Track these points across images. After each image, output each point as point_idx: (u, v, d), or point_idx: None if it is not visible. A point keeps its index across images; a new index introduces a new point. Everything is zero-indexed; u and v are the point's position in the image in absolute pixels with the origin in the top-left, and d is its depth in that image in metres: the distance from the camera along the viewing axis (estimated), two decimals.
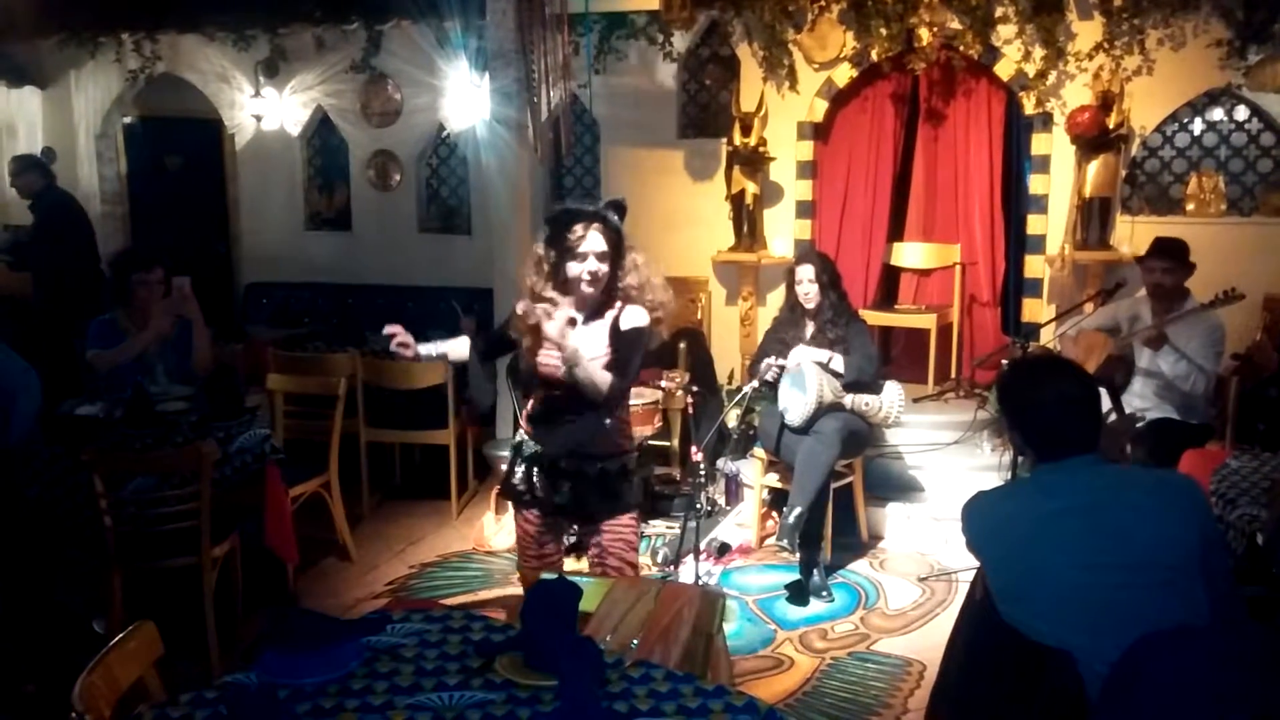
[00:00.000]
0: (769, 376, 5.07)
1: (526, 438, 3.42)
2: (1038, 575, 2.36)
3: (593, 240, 3.19)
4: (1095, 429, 2.49)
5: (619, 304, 3.29)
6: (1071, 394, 2.46)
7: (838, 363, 5.03)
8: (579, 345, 3.18)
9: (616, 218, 3.25)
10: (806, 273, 5.14)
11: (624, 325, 3.26)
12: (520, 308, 3.30)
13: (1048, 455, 2.47)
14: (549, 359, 3.27)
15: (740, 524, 5.69)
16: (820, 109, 6.91)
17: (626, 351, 3.24)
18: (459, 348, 3.61)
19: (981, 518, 2.55)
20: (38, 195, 7.22)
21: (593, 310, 3.30)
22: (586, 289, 3.23)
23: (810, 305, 5.14)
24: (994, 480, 5.43)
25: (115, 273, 4.94)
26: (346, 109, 8.13)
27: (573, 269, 3.22)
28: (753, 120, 6.73)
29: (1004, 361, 5.79)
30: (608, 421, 3.30)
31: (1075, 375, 2.55)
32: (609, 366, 3.20)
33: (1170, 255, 4.92)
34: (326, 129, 8.43)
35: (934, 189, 7.11)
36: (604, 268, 3.22)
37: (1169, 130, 6.61)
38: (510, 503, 3.58)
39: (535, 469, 3.38)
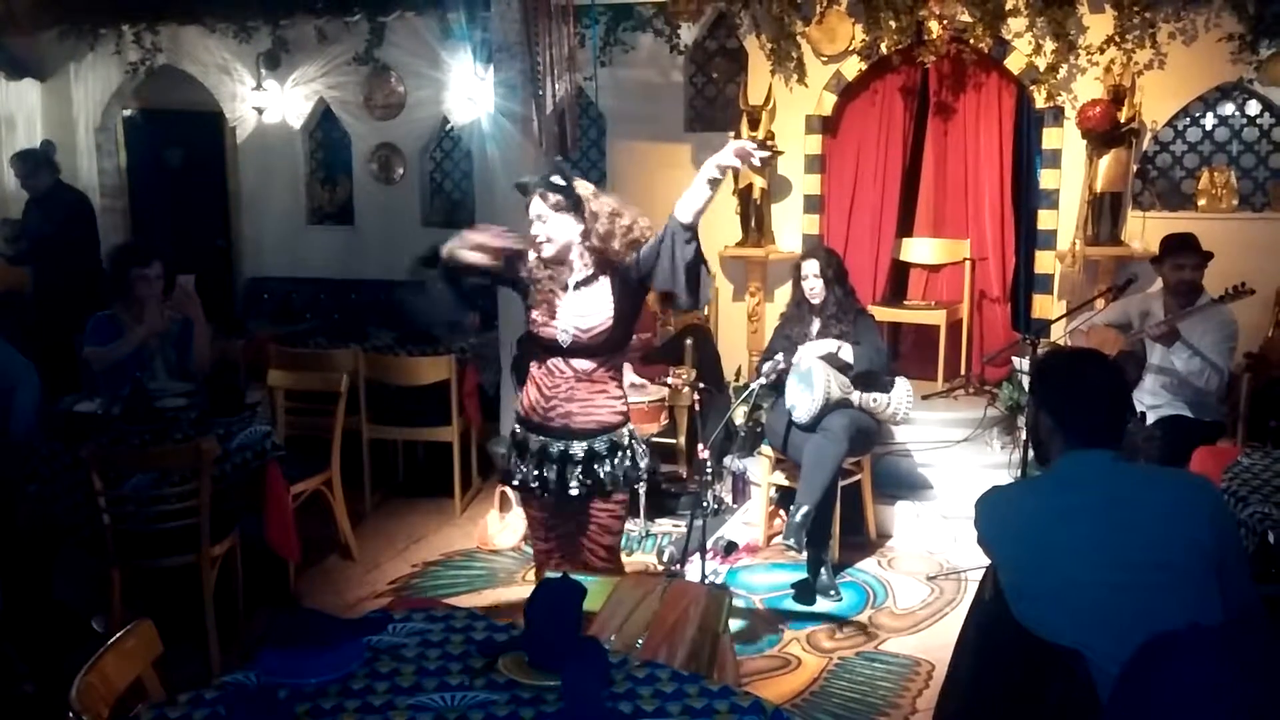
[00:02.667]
0: (768, 379, 5.03)
1: (521, 429, 3.44)
2: (1050, 572, 2.34)
3: (534, 206, 3.30)
4: (1124, 425, 2.54)
5: (607, 271, 3.31)
6: (1112, 384, 2.51)
7: (847, 353, 4.98)
8: (573, 310, 3.27)
9: (559, 179, 3.28)
10: (811, 268, 5.10)
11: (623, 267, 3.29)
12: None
13: (1078, 440, 2.44)
14: (551, 325, 3.30)
15: (747, 522, 5.64)
16: (829, 102, 6.86)
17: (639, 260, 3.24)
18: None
19: (995, 513, 2.54)
20: (47, 192, 7.16)
21: (584, 279, 3.32)
22: (544, 254, 3.30)
23: (815, 300, 5.10)
24: (1004, 478, 5.39)
25: (113, 268, 4.89)
26: (349, 101, 8.10)
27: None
28: (760, 114, 6.69)
29: (1013, 357, 5.76)
30: (594, 395, 3.32)
31: (1114, 368, 2.64)
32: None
33: (1198, 250, 4.92)
34: (329, 122, 8.40)
35: (944, 184, 7.06)
36: (549, 231, 3.27)
37: (1181, 125, 6.57)
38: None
39: (529, 457, 3.40)
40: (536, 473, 3.37)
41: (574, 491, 3.33)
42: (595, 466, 3.32)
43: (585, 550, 3.44)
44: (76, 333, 5.02)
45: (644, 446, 3.48)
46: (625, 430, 3.39)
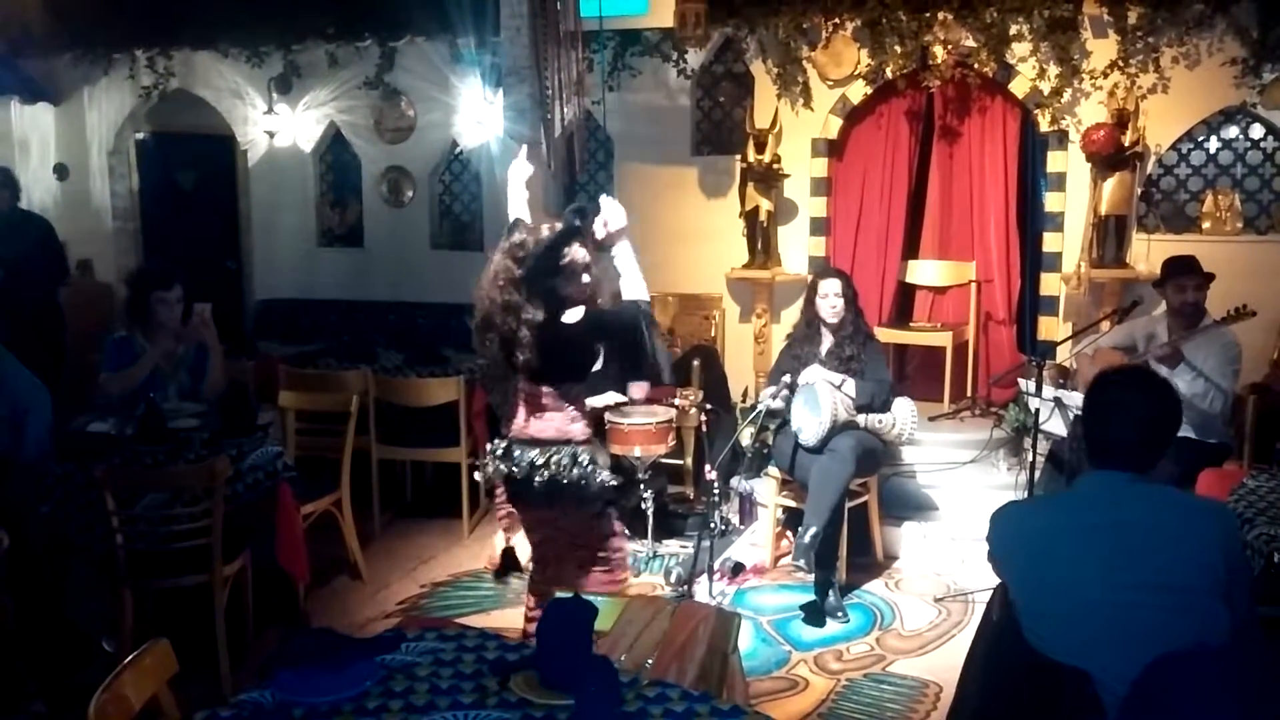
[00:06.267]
0: (777, 403, 5.06)
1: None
2: (1059, 591, 2.36)
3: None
4: (1159, 453, 2.46)
5: None
6: (1149, 409, 2.45)
7: (850, 387, 5.00)
8: None
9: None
10: (833, 287, 5.12)
11: None
12: None
13: (1098, 459, 2.46)
14: None
15: (754, 544, 5.65)
16: (835, 126, 6.91)
17: None
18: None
19: (1008, 528, 2.56)
20: (7, 215, 7.03)
21: None
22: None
23: (834, 320, 5.11)
24: (1010, 499, 5.39)
25: (133, 291, 4.89)
26: (359, 125, 8.16)
27: None
28: (767, 137, 6.73)
29: (1019, 379, 5.76)
30: None
31: (1162, 395, 2.50)
32: None
33: (1200, 272, 4.95)
34: (339, 145, 8.46)
35: (949, 206, 7.09)
36: None
37: (1184, 148, 6.60)
38: None
39: None
40: None
41: None
42: None
43: None
44: (45, 355, 4.94)
45: None
46: None
